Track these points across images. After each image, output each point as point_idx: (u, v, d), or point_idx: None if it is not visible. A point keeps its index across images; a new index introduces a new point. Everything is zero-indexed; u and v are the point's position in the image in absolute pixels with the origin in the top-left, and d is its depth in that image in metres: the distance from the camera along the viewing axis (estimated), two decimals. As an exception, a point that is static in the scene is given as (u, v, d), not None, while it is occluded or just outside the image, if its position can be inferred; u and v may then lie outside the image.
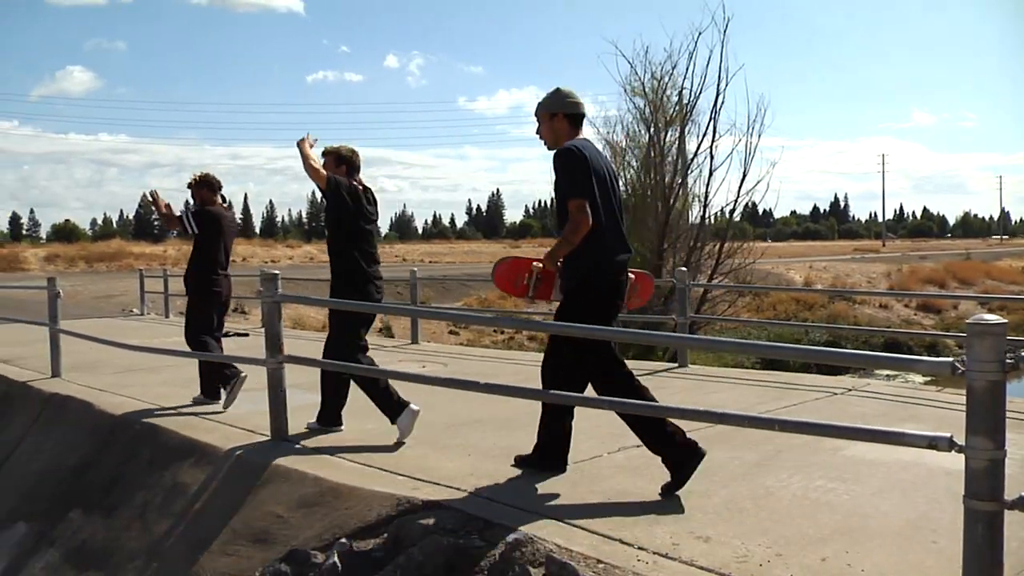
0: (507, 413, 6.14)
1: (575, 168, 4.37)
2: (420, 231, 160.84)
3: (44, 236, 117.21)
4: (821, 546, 3.56)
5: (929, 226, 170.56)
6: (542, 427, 4.70)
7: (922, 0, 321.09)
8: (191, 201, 7.44)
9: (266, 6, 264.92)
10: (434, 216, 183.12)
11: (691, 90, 21.07)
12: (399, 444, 5.56)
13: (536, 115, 4.71)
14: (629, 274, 4.75)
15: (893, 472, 4.64)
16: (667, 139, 21.56)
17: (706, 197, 21.16)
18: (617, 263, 4.51)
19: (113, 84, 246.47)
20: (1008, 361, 2.73)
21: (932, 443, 2.91)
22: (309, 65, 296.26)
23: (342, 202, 5.76)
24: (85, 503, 5.94)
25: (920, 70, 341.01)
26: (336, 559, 3.96)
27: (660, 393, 7.38)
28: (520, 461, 4.79)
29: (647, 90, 21.49)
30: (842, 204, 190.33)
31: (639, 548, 3.56)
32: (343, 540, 4.08)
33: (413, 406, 5.70)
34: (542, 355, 4.80)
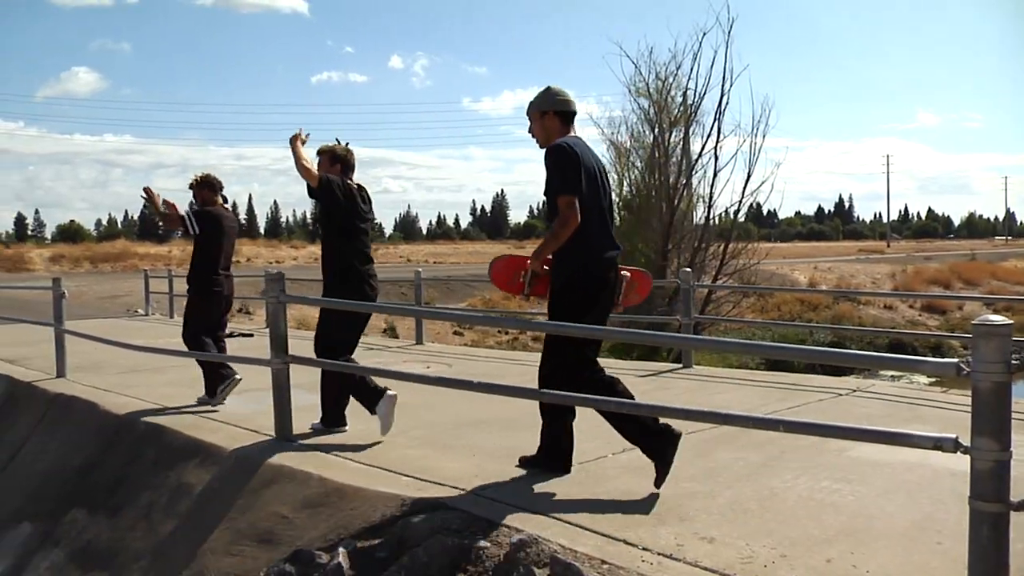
0: (511, 413, 6.14)
1: (566, 165, 4.40)
2: (424, 232, 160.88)
3: (49, 236, 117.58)
4: (826, 547, 3.56)
5: (934, 227, 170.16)
6: (544, 428, 4.71)
7: (926, 0, 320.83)
8: (193, 202, 7.45)
9: (270, 7, 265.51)
10: (438, 217, 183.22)
11: (695, 91, 21.08)
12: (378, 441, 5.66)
13: (528, 114, 4.75)
14: (624, 272, 4.78)
15: (898, 473, 4.63)
16: (671, 140, 21.55)
17: (710, 198, 21.16)
18: (605, 260, 4.53)
19: (118, 85, 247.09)
20: (1014, 362, 2.73)
21: (937, 444, 2.90)
22: (313, 66, 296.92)
23: (335, 200, 5.77)
24: (90, 503, 5.95)
25: (925, 70, 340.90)
26: (341, 559, 3.96)
27: (664, 394, 7.42)
28: (524, 462, 4.79)
29: (651, 91, 21.49)
30: (847, 205, 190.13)
31: (643, 549, 3.56)
32: (348, 540, 4.08)
33: (390, 392, 5.73)
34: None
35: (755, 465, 4.87)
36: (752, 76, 57.38)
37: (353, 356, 5.99)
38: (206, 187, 7.32)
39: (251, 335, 13.53)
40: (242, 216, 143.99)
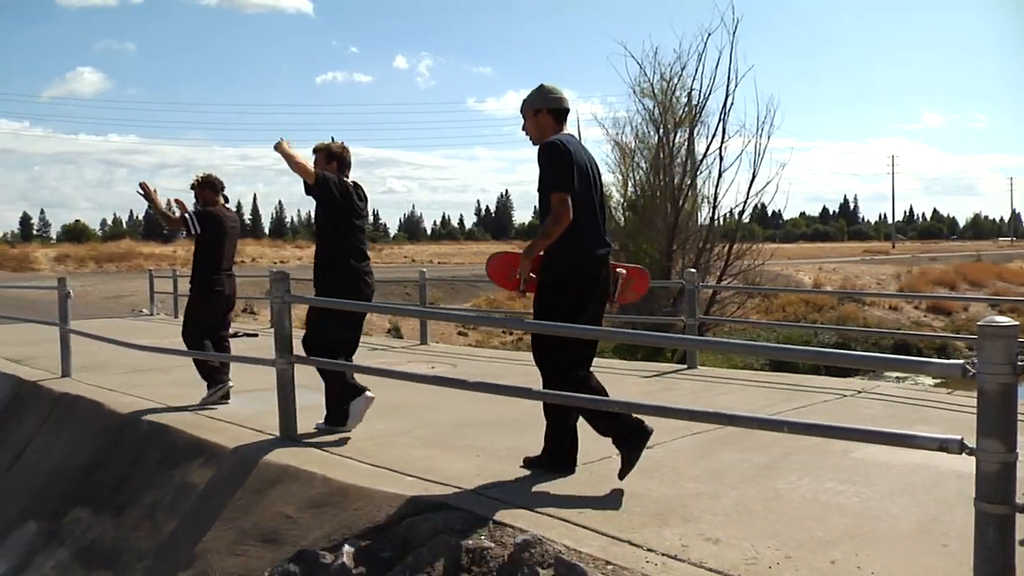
0: (515, 414, 6.14)
1: (559, 162, 4.42)
2: (429, 232, 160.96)
3: (54, 236, 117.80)
4: (831, 549, 3.55)
5: (939, 228, 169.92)
6: (548, 428, 4.71)
7: (931, 1, 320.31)
8: (195, 202, 7.47)
9: (275, 7, 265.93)
10: (443, 217, 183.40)
11: (700, 91, 21.04)
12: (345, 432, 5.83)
13: (521, 112, 4.78)
14: (620, 269, 4.81)
15: (903, 475, 4.62)
16: (676, 140, 21.52)
17: (715, 198, 21.13)
18: (596, 257, 4.54)
19: (123, 85, 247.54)
20: (1020, 363, 2.72)
21: (943, 446, 2.89)
22: (318, 66, 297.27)
23: (331, 197, 5.80)
24: (94, 502, 5.96)
25: (930, 71, 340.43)
26: (345, 559, 3.96)
27: (669, 395, 7.42)
28: (529, 462, 4.79)
29: (656, 91, 21.47)
30: (852, 206, 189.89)
31: (648, 550, 3.56)
32: (352, 540, 4.08)
33: (369, 393, 5.80)
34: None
35: (760, 466, 4.86)
36: (757, 77, 57.59)
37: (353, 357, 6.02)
38: (207, 187, 7.35)
39: (256, 335, 13.54)
40: (246, 216, 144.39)
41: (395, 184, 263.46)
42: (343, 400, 5.83)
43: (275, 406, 5.80)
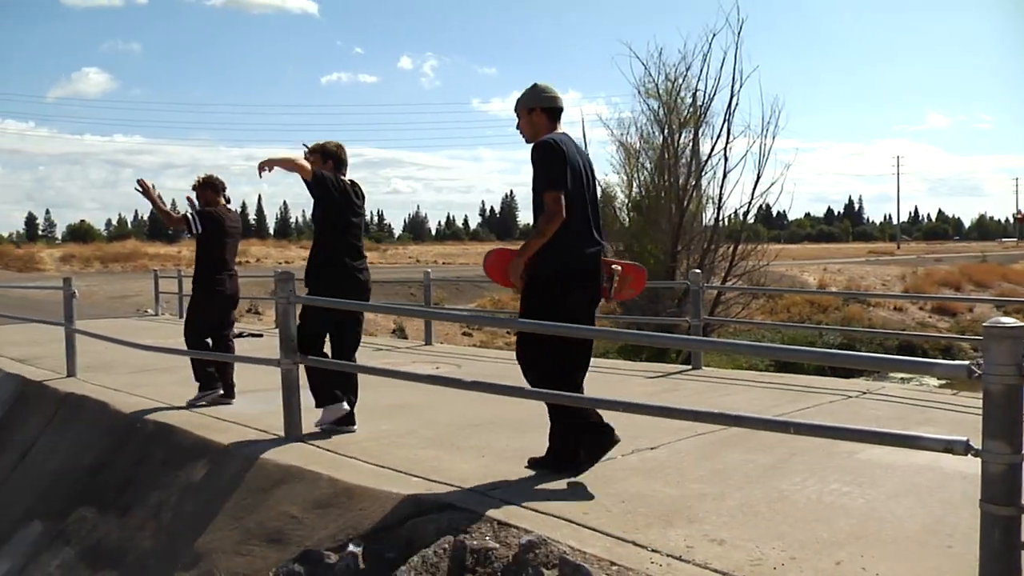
0: (520, 414, 6.14)
1: (552, 161, 4.44)
2: (434, 232, 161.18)
3: (60, 236, 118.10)
4: (836, 550, 3.55)
5: (944, 228, 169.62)
6: (553, 429, 4.71)
7: (936, 1, 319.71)
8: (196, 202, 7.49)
9: (280, 7, 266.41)
10: (448, 217, 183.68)
11: (705, 92, 21.06)
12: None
13: (515, 111, 4.79)
14: (616, 265, 4.83)
15: (908, 476, 4.61)
16: (681, 141, 21.53)
17: (720, 199, 21.15)
18: (587, 256, 4.55)
19: (128, 85, 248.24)
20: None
21: (948, 447, 2.89)
22: (323, 66, 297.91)
23: (329, 195, 5.85)
24: (100, 502, 5.97)
25: (935, 72, 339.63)
26: (350, 560, 3.96)
27: (674, 395, 7.41)
28: (534, 463, 4.79)
29: (661, 92, 21.48)
30: (856, 206, 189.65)
31: (653, 550, 3.56)
32: (357, 541, 4.09)
33: (345, 405, 5.90)
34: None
35: (765, 467, 4.86)
36: (762, 77, 57.56)
37: (326, 351, 6.12)
38: (208, 188, 7.38)
39: (261, 335, 13.56)
40: (251, 216, 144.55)
41: (400, 184, 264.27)
42: (324, 397, 5.92)
43: (280, 406, 5.81)
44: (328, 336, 6.09)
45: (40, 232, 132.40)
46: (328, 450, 5.42)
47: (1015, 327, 2.74)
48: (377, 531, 4.14)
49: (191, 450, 5.86)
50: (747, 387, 7.87)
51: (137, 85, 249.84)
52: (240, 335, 11.91)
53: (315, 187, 5.80)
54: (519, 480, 4.60)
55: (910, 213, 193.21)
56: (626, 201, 22.87)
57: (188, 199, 7.40)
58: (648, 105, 21.75)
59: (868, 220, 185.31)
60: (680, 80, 21.30)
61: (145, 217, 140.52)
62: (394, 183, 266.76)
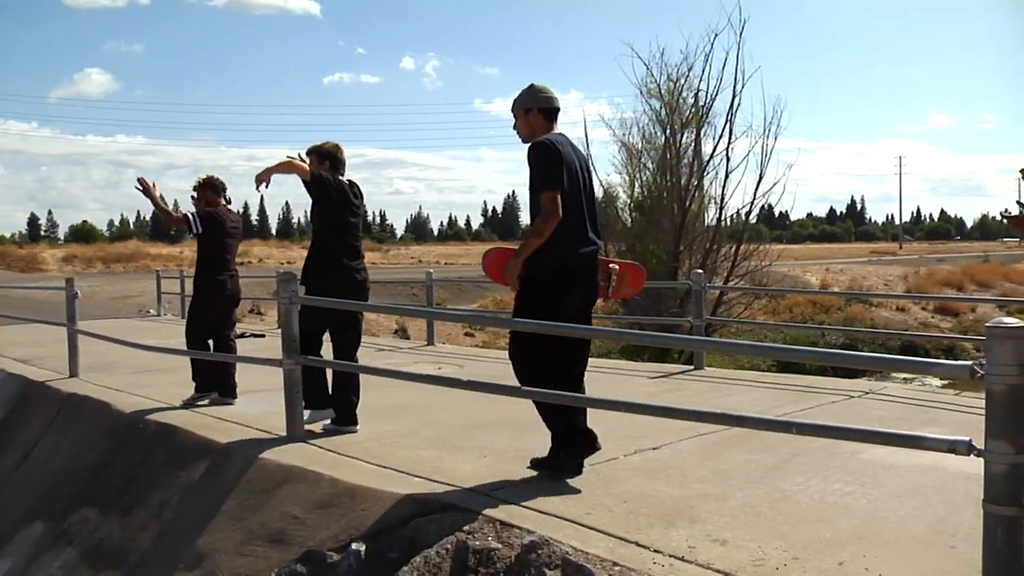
0: (522, 415, 6.12)
1: (548, 161, 4.46)
2: (436, 233, 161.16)
3: (62, 237, 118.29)
4: (838, 550, 3.54)
5: (947, 228, 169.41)
6: (551, 430, 4.73)
7: (938, 1, 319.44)
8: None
9: (282, 8, 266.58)
10: (450, 218, 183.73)
11: (707, 92, 21.08)
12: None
13: (512, 111, 4.81)
14: (613, 264, 4.86)
15: (911, 476, 4.61)
16: (683, 141, 21.55)
17: (722, 199, 21.16)
18: (580, 256, 4.56)
19: (131, 86, 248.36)
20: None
21: (951, 447, 2.89)
22: (325, 67, 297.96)
23: (327, 195, 5.88)
24: (102, 502, 5.97)
25: (937, 72, 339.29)
26: (352, 560, 3.96)
27: (676, 395, 7.41)
28: (536, 463, 4.78)
29: (663, 92, 21.49)
30: (859, 206, 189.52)
31: (655, 551, 3.56)
32: (359, 541, 4.09)
33: (331, 412, 5.96)
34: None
35: (767, 467, 4.86)
36: (764, 77, 57.44)
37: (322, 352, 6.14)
38: (209, 189, 7.40)
39: (263, 336, 13.56)
40: (254, 217, 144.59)
41: (402, 185, 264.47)
42: (309, 400, 5.95)
43: (282, 407, 5.81)
44: (329, 336, 6.10)
45: (42, 232, 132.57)
46: (330, 450, 5.42)
47: (1018, 327, 2.74)
48: (379, 531, 4.14)
49: (193, 450, 5.86)
50: (749, 387, 7.86)
51: (139, 86, 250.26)
52: (242, 335, 11.91)
53: (314, 187, 5.82)
54: (521, 480, 4.60)
55: (912, 213, 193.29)
56: (628, 201, 22.89)
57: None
58: (650, 105, 21.79)
59: (870, 220, 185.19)
60: (682, 80, 21.33)
61: (147, 218, 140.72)
62: (396, 183, 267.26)
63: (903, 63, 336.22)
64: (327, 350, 6.22)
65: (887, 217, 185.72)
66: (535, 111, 4.70)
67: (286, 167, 5.76)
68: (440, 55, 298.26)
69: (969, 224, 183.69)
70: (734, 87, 20.52)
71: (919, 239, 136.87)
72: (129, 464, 6.24)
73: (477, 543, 3.75)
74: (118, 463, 6.35)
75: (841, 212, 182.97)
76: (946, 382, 13.56)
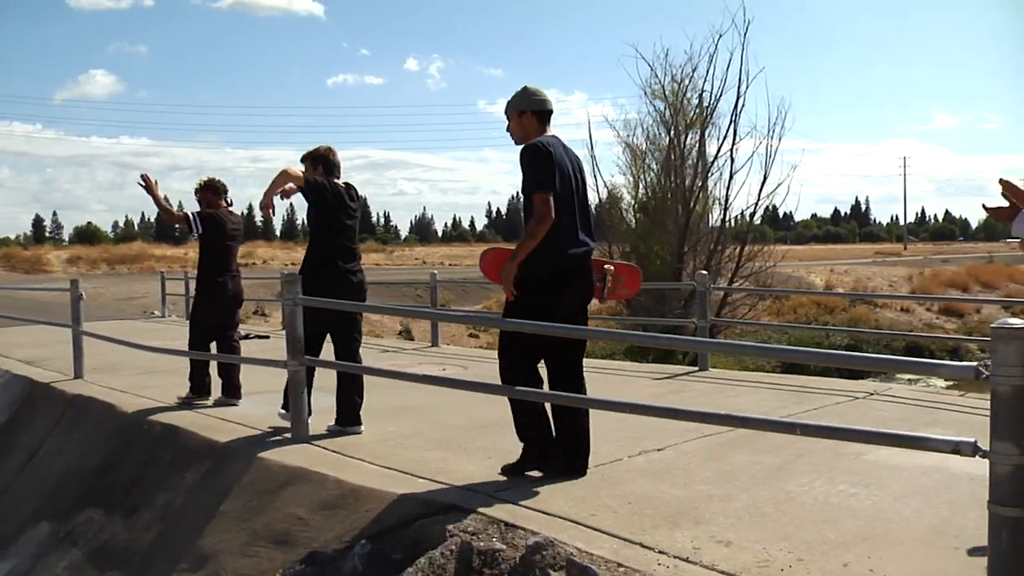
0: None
1: (540, 164, 4.47)
2: (440, 234, 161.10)
3: (67, 238, 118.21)
4: (843, 551, 3.54)
5: (951, 229, 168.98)
6: (558, 431, 4.73)
7: (941, 1, 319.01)
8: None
9: (286, 9, 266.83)
10: (454, 219, 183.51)
11: (711, 93, 21.10)
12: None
13: (506, 113, 4.83)
14: (608, 266, 4.90)
15: (915, 477, 4.60)
16: (687, 142, 21.57)
17: (726, 200, 21.18)
18: (570, 257, 4.57)
19: (135, 87, 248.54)
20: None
21: (956, 448, 2.89)
22: (329, 68, 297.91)
23: (323, 198, 5.91)
24: (107, 504, 5.98)
25: (941, 72, 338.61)
26: (357, 561, 3.96)
27: (680, 397, 7.40)
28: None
29: (667, 93, 21.51)
30: (863, 207, 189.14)
31: (660, 552, 3.55)
32: (363, 542, 4.09)
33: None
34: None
35: (771, 468, 4.85)
36: (768, 78, 57.10)
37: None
38: (210, 191, 7.42)
39: (267, 337, 13.57)
40: (258, 218, 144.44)
41: (406, 186, 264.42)
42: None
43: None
44: (331, 338, 6.11)
45: (47, 234, 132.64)
46: (334, 451, 5.43)
47: (1023, 328, 2.73)
48: (384, 532, 4.14)
49: (197, 451, 5.87)
50: (754, 388, 7.86)
51: (144, 87, 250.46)
52: (247, 337, 11.91)
53: (308, 193, 5.87)
54: (526, 482, 4.59)
55: (917, 214, 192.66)
56: (632, 202, 22.90)
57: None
58: (654, 106, 21.82)
59: (875, 221, 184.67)
60: (686, 81, 21.35)
61: (152, 219, 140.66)
62: (400, 184, 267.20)
63: (906, 63, 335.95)
64: (328, 352, 6.22)
65: (891, 218, 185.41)
66: (528, 113, 4.72)
67: (280, 181, 5.79)
68: (444, 56, 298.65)
69: (974, 225, 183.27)
70: (738, 88, 20.56)
71: (924, 240, 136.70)
72: (134, 465, 6.25)
73: (481, 544, 3.75)
74: (123, 464, 6.36)
75: (845, 213, 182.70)
76: (951, 383, 13.54)
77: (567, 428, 4.68)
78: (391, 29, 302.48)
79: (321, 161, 6.07)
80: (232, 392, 7.19)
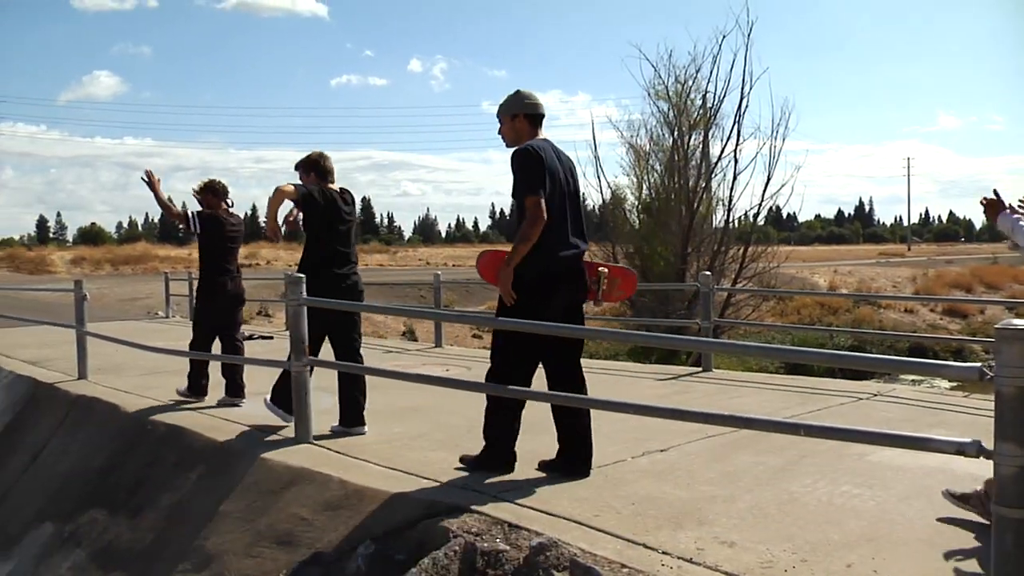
0: (530, 416, 6.09)
1: (530, 167, 4.49)
2: (444, 234, 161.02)
3: (70, 239, 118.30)
4: (846, 552, 3.54)
5: (955, 230, 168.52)
6: (560, 432, 4.74)
7: (945, 2, 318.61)
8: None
9: (290, 10, 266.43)
10: (458, 220, 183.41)
11: (715, 93, 21.09)
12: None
13: (498, 116, 4.86)
14: (602, 268, 4.92)
15: (919, 478, 4.60)
16: (691, 143, 21.55)
17: (730, 201, 21.15)
18: (561, 260, 4.58)
19: (139, 88, 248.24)
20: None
21: (960, 449, 2.88)
22: (333, 69, 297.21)
23: (315, 207, 5.94)
24: (110, 504, 5.99)
25: (946, 73, 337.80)
26: (360, 562, 3.97)
27: (684, 397, 7.40)
28: (544, 465, 4.80)
29: (671, 93, 21.50)
30: (867, 208, 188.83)
31: (663, 553, 3.55)
32: (367, 543, 4.09)
33: (289, 417, 5.93)
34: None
35: (775, 469, 4.85)
36: (772, 79, 57.21)
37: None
38: (209, 192, 7.45)
39: (271, 337, 13.59)
40: (262, 219, 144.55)
41: (409, 187, 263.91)
42: (275, 396, 6.09)
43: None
44: (330, 340, 6.11)
45: (51, 235, 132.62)
46: (338, 452, 5.43)
47: (1027, 329, 2.73)
48: (388, 533, 4.14)
49: (201, 452, 5.87)
50: (757, 389, 7.85)
51: (147, 88, 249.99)
52: (250, 337, 11.94)
53: (301, 204, 5.96)
54: (530, 482, 4.60)
55: (921, 215, 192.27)
56: (636, 203, 22.89)
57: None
58: (658, 107, 21.81)
59: (879, 222, 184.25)
60: (690, 82, 21.35)
61: (156, 220, 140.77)
62: (404, 185, 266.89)
63: (910, 64, 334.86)
64: (327, 353, 6.21)
65: (895, 219, 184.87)
66: (521, 117, 4.75)
67: (276, 202, 5.82)
68: (448, 57, 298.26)
69: (978, 226, 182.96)
70: (742, 89, 20.54)
71: (928, 241, 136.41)
72: (138, 466, 6.25)
73: (485, 545, 3.75)
74: (127, 465, 6.37)
75: (849, 214, 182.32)
76: (955, 384, 13.53)
77: (568, 428, 4.69)
78: (395, 30, 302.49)
79: (313, 168, 6.10)
80: (236, 392, 7.20)
